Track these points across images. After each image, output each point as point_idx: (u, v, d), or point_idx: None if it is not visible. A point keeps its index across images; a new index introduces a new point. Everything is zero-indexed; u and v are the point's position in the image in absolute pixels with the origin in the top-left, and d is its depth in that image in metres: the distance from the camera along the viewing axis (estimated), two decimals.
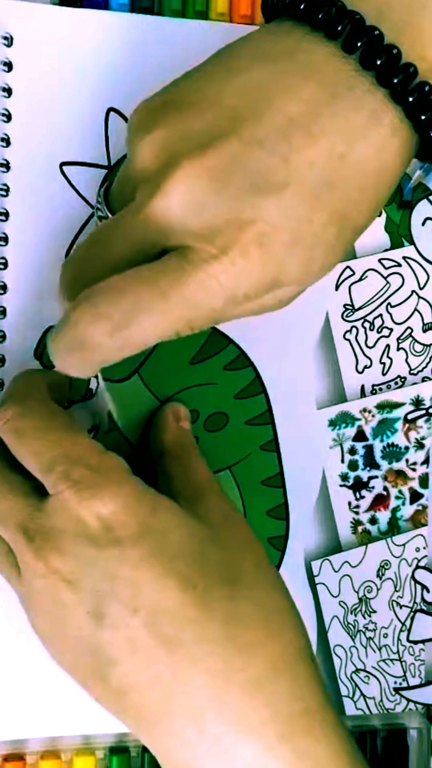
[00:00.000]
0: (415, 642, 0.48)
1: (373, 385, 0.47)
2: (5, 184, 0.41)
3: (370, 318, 0.46)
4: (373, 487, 0.47)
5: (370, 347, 0.46)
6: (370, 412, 0.47)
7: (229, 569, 0.35)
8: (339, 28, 0.32)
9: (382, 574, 0.47)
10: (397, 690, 0.48)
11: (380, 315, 0.46)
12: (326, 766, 0.33)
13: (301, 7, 0.32)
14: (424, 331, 0.47)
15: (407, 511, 0.48)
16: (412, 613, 0.48)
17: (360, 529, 0.47)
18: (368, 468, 0.47)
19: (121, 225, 0.33)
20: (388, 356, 0.47)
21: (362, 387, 0.47)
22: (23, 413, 0.36)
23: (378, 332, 0.47)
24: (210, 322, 0.33)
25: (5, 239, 0.41)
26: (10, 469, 0.36)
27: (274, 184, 0.32)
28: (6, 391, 0.39)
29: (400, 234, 0.47)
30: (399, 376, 0.47)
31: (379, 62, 0.32)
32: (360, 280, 0.46)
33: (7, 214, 0.41)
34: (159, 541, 0.34)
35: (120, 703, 0.34)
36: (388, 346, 0.47)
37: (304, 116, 0.32)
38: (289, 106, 0.32)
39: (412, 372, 0.47)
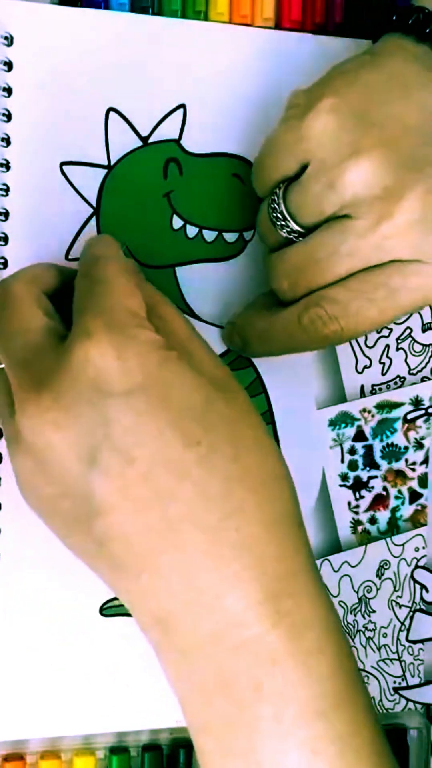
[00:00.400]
0: (415, 642, 0.48)
1: (373, 385, 0.47)
2: (5, 184, 0.41)
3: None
4: (372, 487, 0.47)
5: (370, 347, 0.47)
6: (369, 412, 0.47)
7: (232, 430, 0.34)
8: None
9: (382, 574, 0.47)
10: (396, 690, 0.48)
11: None
12: (308, 627, 0.33)
13: None
14: (424, 331, 0.47)
15: (407, 510, 0.48)
16: (411, 613, 0.48)
17: (360, 528, 0.47)
18: (368, 468, 0.47)
19: (343, 247, 0.37)
20: (387, 356, 0.47)
21: (362, 387, 0.47)
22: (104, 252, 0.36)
23: (377, 332, 0.47)
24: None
25: (5, 239, 0.41)
26: (47, 300, 0.36)
27: None
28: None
29: None
30: (398, 376, 0.47)
31: None
32: None
33: (7, 214, 0.41)
34: (165, 393, 0.33)
35: (99, 552, 0.33)
36: (387, 346, 0.47)
37: None
38: None
39: (411, 372, 0.47)
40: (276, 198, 0.39)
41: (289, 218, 0.39)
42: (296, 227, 0.39)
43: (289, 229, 0.39)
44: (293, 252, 0.39)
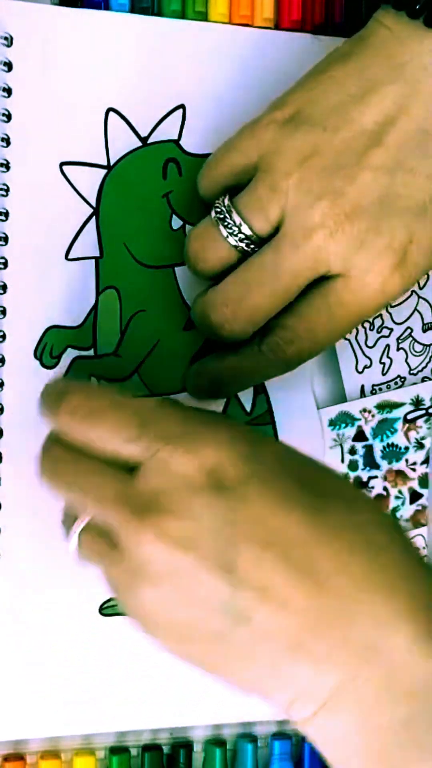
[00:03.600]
0: None
1: (373, 385, 0.47)
2: (5, 184, 0.41)
3: (369, 318, 0.46)
4: (372, 487, 0.47)
5: (370, 347, 0.46)
6: (370, 412, 0.47)
7: (323, 483, 0.34)
8: None
9: None
10: None
11: (380, 315, 0.46)
12: None
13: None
14: (424, 331, 0.47)
15: (407, 511, 0.48)
16: None
17: None
18: (368, 468, 0.47)
19: (280, 265, 0.38)
20: (388, 356, 0.47)
21: (362, 387, 0.47)
22: (89, 395, 0.35)
23: (378, 332, 0.47)
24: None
25: (5, 239, 0.41)
26: (87, 456, 0.35)
27: (420, 202, 0.37)
28: (47, 393, 0.37)
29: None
30: (399, 376, 0.47)
31: None
32: None
33: (7, 214, 0.41)
34: (266, 473, 0.33)
35: (256, 656, 0.32)
36: (388, 346, 0.47)
37: None
38: (420, 116, 0.37)
39: (412, 372, 0.47)
40: (222, 203, 0.39)
41: (242, 221, 0.38)
42: (247, 231, 0.38)
43: (241, 236, 0.39)
44: (231, 280, 0.39)
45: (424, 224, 0.37)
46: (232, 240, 0.39)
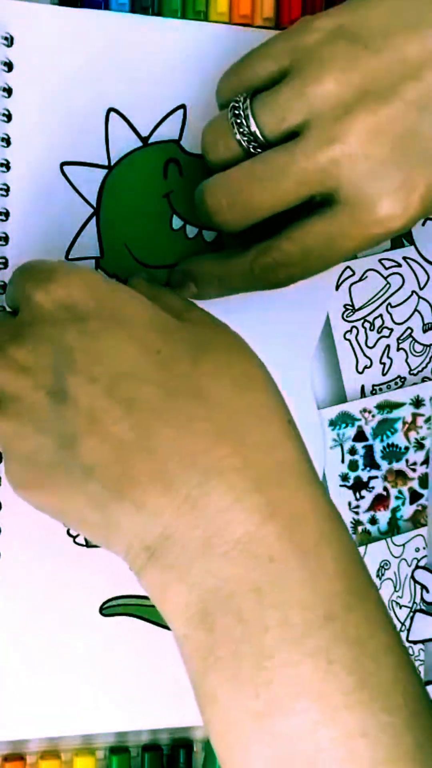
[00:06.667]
0: (415, 642, 0.48)
1: (374, 385, 0.47)
2: (5, 184, 0.41)
3: (370, 318, 0.46)
4: (373, 488, 0.47)
5: (371, 347, 0.47)
6: (370, 412, 0.47)
7: (195, 341, 0.34)
8: None
9: (382, 575, 0.47)
10: None
11: (380, 315, 0.46)
12: (304, 519, 0.31)
13: None
14: (424, 331, 0.47)
15: (407, 511, 0.48)
16: (411, 614, 0.48)
17: (360, 529, 0.47)
18: (368, 468, 0.47)
19: (289, 166, 0.36)
20: (388, 356, 0.47)
21: (362, 387, 0.47)
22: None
23: (378, 332, 0.47)
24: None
25: (5, 239, 0.41)
26: None
27: None
28: None
29: (400, 234, 0.47)
30: (399, 377, 0.47)
31: None
32: (360, 280, 0.46)
33: (7, 214, 0.41)
34: (119, 314, 0.33)
35: (86, 490, 0.32)
36: (388, 346, 0.47)
37: None
38: None
39: (412, 372, 0.47)
40: (240, 100, 0.37)
41: (251, 118, 0.37)
42: (255, 129, 0.37)
43: (247, 131, 0.37)
44: (236, 169, 0.38)
45: None
46: (239, 136, 0.38)
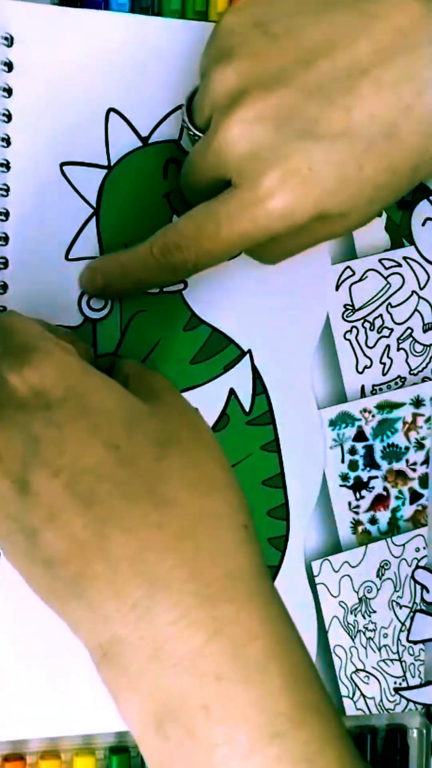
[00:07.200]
0: (415, 642, 0.48)
1: (374, 386, 0.47)
2: (5, 184, 0.41)
3: (370, 318, 0.46)
4: (373, 488, 0.47)
5: (371, 347, 0.46)
6: (370, 412, 0.47)
7: (159, 435, 0.33)
8: None
9: (382, 575, 0.47)
10: (396, 690, 0.48)
11: (380, 315, 0.46)
12: (251, 636, 0.30)
13: None
14: (425, 331, 0.47)
15: (407, 511, 0.48)
16: (411, 614, 0.48)
17: (360, 529, 0.47)
18: (368, 468, 0.47)
19: (198, 154, 0.38)
20: (388, 356, 0.47)
21: (362, 387, 0.47)
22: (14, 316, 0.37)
23: (378, 332, 0.47)
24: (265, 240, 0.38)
25: (5, 239, 0.41)
26: None
27: (328, 132, 0.35)
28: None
29: (400, 234, 0.47)
30: (399, 377, 0.47)
31: None
32: (360, 280, 0.46)
33: (7, 214, 0.41)
34: (86, 403, 0.33)
35: (47, 582, 0.32)
36: (388, 346, 0.47)
37: (377, 65, 0.35)
38: (363, 52, 0.35)
39: (412, 372, 0.47)
40: (185, 103, 0.40)
41: (186, 117, 0.40)
42: (188, 124, 0.40)
43: (187, 125, 0.40)
44: (191, 153, 0.40)
45: (328, 155, 0.36)
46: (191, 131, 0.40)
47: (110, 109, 0.42)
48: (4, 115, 0.40)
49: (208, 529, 0.32)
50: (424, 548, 0.48)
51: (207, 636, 0.30)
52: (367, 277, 0.46)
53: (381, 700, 0.48)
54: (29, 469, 0.32)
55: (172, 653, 0.30)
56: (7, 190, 0.41)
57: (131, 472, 0.32)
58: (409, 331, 0.47)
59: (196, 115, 0.39)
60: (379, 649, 0.48)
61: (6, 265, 0.41)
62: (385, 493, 0.47)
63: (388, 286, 0.47)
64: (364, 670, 0.47)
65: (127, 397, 0.34)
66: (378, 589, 0.47)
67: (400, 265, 0.47)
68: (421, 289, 0.47)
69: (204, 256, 0.38)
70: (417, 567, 0.48)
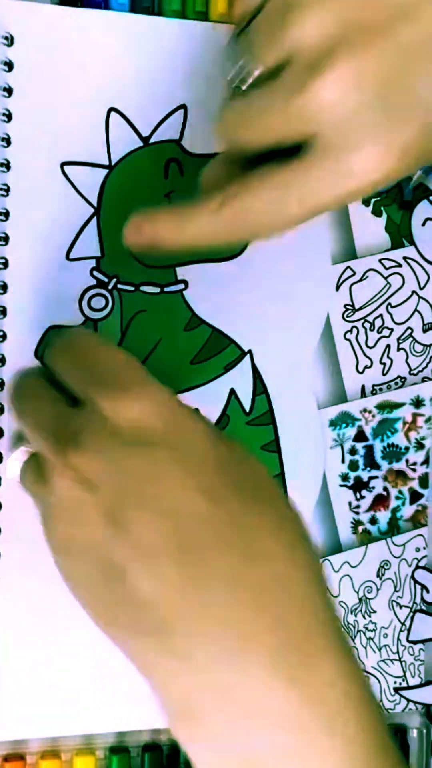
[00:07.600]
0: (415, 642, 0.48)
1: (374, 385, 0.47)
2: (5, 184, 0.41)
3: (370, 318, 0.46)
4: (373, 487, 0.47)
5: (371, 347, 0.47)
6: (370, 412, 0.47)
7: (244, 481, 0.33)
8: None
9: (382, 575, 0.47)
10: (397, 690, 0.48)
11: (381, 315, 0.46)
12: (327, 689, 0.31)
13: None
14: (425, 331, 0.47)
15: (407, 511, 0.48)
16: (411, 614, 0.48)
17: (360, 529, 0.47)
18: (368, 468, 0.47)
19: (266, 108, 0.33)
20: (388, 356, 0.47)
21: (363, 387, 0.47)
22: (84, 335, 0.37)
23: (378, 332, 0.47)
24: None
25: (5, 239, 0.41)
26: (50, 385, 0.36)
27: (429, 103, 0.32)
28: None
29: (400, 234, 0.47)
30: (399, 377, 0.47)
31: None
32: (360, 280, 0.46)
33: (7, 214, 0.41)
34: (184, 444, 0.32)
35: (124, 620, 0.32)
36: (388, 346, 0.47)
37: None
38: None
39: (412, 372, 0.47)
40: (237, 29, 0.35)
41: (244, 60, 0.34)
42: (239, 65, 0.34)
43: (232, 67, 0.35)
44: (225, 106, 0.35)
45: (424, 131, 0.33)
46: (233, 67, 0.35)
47: (111, 109, 0.42)
48: (4, 114, 0.40)
49: (293, 584, 0.32)
50: (424, 548, 0.48)
51: (294, 691, 0.30)
52: (367, 277, 0.46)
53: (381, 700, 0.48)
54: (125, 504, 0.31)
55: (261, 709, 0.30)
56: (8, 190, 0.41)
57: (226, 521, 0.32)
58: (409, 331, 0.47)
59: (255, 55, 0.34)
60: (379, 649, 0.48)
61: (6, 265, 0.41)
62: (385, 493, 0.47)
63: (388, 286, 0.47)
64: (364, 670, 0.47)
65: (215, 435, 0.34)
66: (378, 589, 0.47)
67: (400, 265, 0.47)
68: (421, 289, 0.47)
69: (270, 225, 0.35)
70: (417, 567, 0.48)
